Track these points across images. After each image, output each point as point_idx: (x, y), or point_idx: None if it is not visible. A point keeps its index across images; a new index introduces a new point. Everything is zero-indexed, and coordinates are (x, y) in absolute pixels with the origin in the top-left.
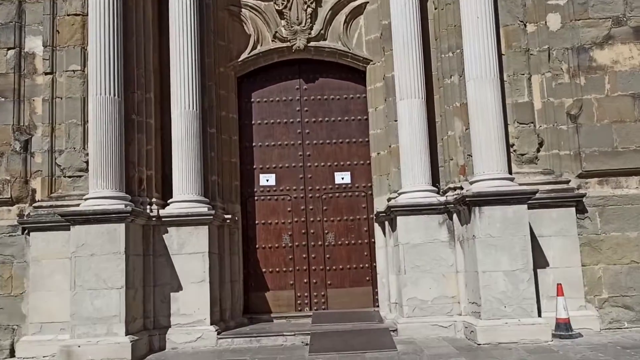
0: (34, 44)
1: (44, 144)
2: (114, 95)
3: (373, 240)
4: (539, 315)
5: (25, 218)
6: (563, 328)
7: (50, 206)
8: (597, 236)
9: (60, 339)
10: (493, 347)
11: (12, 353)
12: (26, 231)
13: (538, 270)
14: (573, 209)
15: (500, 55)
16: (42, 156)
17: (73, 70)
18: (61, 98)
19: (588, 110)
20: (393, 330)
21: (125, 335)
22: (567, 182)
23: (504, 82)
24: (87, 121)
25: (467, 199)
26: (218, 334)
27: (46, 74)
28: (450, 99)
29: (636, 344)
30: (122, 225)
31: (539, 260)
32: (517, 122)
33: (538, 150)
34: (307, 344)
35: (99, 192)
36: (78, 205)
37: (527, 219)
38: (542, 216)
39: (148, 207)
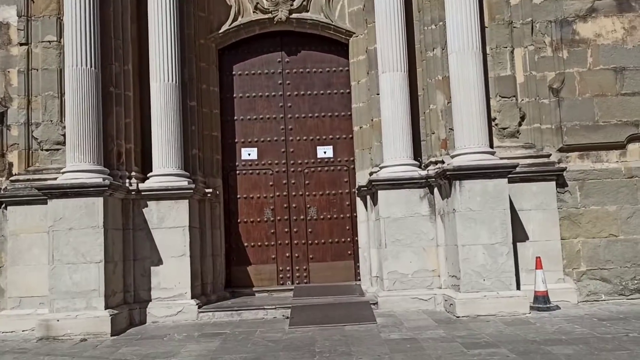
0: (8, 14)
1: (20, 117)
2: (91, 66)
3: (355, 214)
4: (518, 288)
5: (2, 192)
6: (541, 301)
7: (28, 180)
8: (577, 210)
9: (39, 313)
10: (471, 320)
11: None
12: (3, 205)
13: (518, 244)
14: (553, 183)
15: (483, 27)
16: (19, 129)
17: (49, 41)
18: (37, 69)
19: (570, 84)
20: (374, 304)
21: (105, 309)
22: (548, 156)
23: (486, 55)
24: (64, 93)
25: (447, 173)
26: (199, 307)
27: (21, 44)
28: (433, 72)
29: (612, 315)
30: (100, 199)
31: (519, 234)
32: (499, 96)
33: (520, 124)
34: (287, 317)
35: (76, 166)
36: (56, 178)
37: (507, 193)
38: (523, 190)
39: (127, 180)
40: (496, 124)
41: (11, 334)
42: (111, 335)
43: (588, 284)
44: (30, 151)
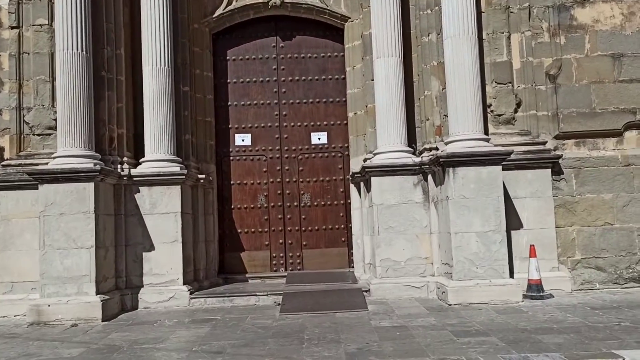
0: None
1: (11, 101)
2: (82, 50)
3: (349, 201)
4: (511, 276)
5: None
6: (534, 289)
7: (19, 165)
8: (572, 198)
9: (31, 298)
10: (463, 308)
11: None
12: None
13: (512, 232)
14: (549, 171)
15: (479, 12)
16: (10, 113)
17: (40, 25)
18: (28, 53)
19: (567, 70)
20: (366, 291)
21: (96, 295)
22: (544, 143)
23: (482, 40)
24: (56, 78)
25: (441, 160)
26: (191, 293)
27: (12, 28)
28: (428, 58)
29: (605, 304)
30: (91, 184)
31: (513, 222)
32: (495, 82)
33: (515, 111)
34: (279, 304)
35: (67, 151)
36: (47, 163)
37: (501, 180)
38: (518, 177)
39: (119, 166)
40: (492, 111)
41: (3, 319)
42: (102, 321)
43: (583, 273)
44: (22, 136)
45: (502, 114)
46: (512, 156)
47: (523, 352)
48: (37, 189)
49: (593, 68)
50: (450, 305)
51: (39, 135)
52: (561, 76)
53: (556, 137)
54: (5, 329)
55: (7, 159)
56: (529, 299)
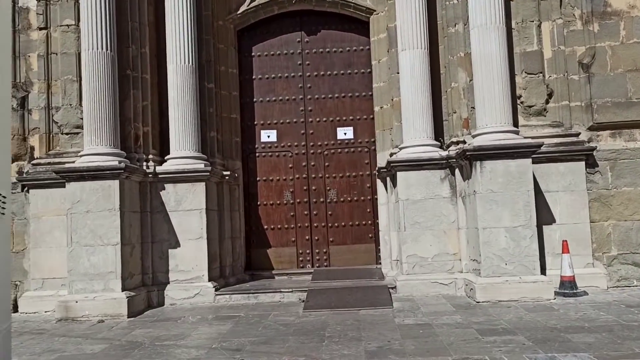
0: None
1: (40, 101)
2: (108, 49)
3: (376, 196)
4: (543, 272)
5: (24, 175)
6: (567, 286)
7: (49, 163)
8: (608, 191)
9: (61, 294)
10: (491, 305)
11: (15, 308)
12: (25, 188)
13: (544, 227)
14: (582, 163)
15: (507, 1)
16: (39, 113)
17: (67, 25)
18: (56, 54)
19: (601, 59)
20: (392, 288)
21: (122, 291)
22: (577, 134)
23: (511, 29)
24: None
25: (467, 153)
26: (216, 290)
27: (40, 29)
28: (455, 49)
29: None
30: (116, 182)
31: (545, 217)
32: (525, 72)
33: (547, 102)
34: (303, 301)
35: (93, 149)
36: (75, 162)
37: (531, 174)
38: (550, 171)
39: (144, 163)
40: (522, 102)
41: (34, 315)
42: (128, 317)
43: (619, 269)
44: (51, 135)
45: (533, 105)
46: (544, 148)
47: (550, 352)
48: (65, 187)
49: (629, 56)
50: (478, 302)
51: (67, 134)
52: (595, 65)
53: (590, 129)
54: (35, 324)
55: (37, 158)
56: (561, 297)
